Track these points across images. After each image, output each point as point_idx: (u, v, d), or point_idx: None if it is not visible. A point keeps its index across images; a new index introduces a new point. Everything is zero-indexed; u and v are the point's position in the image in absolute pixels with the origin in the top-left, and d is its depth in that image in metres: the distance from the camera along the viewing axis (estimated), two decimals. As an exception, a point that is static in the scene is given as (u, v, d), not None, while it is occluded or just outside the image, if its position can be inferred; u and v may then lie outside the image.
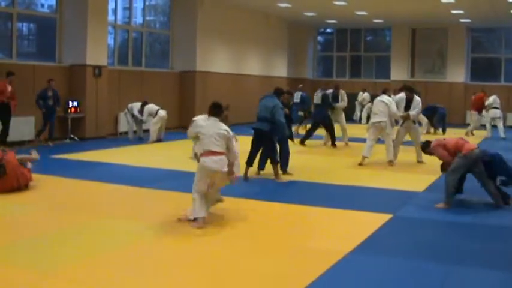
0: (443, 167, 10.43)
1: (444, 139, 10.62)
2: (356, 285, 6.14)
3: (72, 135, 18.41)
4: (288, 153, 12.99)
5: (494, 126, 23.67)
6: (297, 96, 21.68)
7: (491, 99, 23.83)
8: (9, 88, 15.62)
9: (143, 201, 10.30)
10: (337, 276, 6.37)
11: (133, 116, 19.03)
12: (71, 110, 18.37)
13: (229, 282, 6.16)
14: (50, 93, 17.03)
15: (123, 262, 6.70)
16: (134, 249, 7.22)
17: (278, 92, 12.72)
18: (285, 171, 12.73)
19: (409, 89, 14.86)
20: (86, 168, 13.36)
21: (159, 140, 18.77)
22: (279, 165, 12.33)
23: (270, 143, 12.14)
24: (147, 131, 19.36)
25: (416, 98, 14.66)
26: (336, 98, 18.91)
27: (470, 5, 24.23)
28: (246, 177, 12.23)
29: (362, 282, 6.25)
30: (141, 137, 19.36)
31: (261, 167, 12.75)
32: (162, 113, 18.82)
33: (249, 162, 12.39)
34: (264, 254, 7.17)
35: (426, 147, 10.79)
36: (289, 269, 6.58)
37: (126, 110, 19.25)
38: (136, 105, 19.08)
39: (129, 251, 7.13)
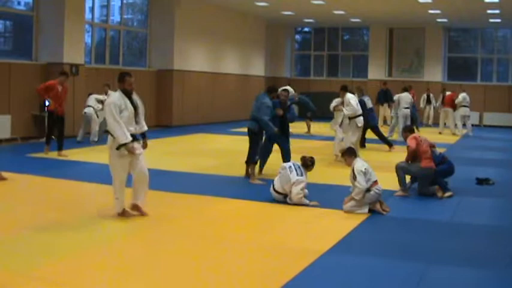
0: (407, 158, 11.06)
1: (425, 138, 11.21)
2: (332, 284, 6.15)
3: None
4: (288, 153, 12.78)
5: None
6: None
7: (461, 97, 24.16)
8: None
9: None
10: (314, 275, 6.39)
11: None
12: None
13: (206, 281, 6.15)
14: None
15: (97, 261, 6.66)
16: (109, 248, 7.18)
17: (269, 90, 12.66)
18: None
19: (343, 88, 15.04)
20: (62, 167, 13.28)
21: None
22: (254, 165, 12.33)
23: (253, 141, 12.20)
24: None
25: (348, 96, 14.80)
26: None
27: (447, 5, 24.37)
28: (247, 175, 12.39)
29: (339, 281, 6.27)
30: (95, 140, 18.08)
31: (261, 166, 12.89)
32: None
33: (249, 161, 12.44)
34: (241, 253, 7.17)
35: (407, 131, 11.42)
36: (266, 268, 6.58)
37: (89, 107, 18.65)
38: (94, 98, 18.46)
39: (104, 250, 7.09)
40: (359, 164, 9.55)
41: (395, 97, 21.79)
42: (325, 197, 10.28)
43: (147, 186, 8.73)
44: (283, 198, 9.91)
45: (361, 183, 9.28)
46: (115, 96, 8.40)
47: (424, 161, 10.77)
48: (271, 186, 10.13)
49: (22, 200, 10.03)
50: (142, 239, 7.69)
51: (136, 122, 8.52)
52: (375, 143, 18.31)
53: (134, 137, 8.41)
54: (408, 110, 20.83)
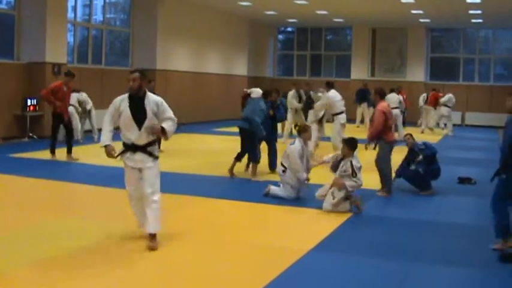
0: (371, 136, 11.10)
1: (391, 115, 11.31)
2: (316, 283, 6.17)
3: (30, 134, 18.15)
4: (275, 152, 13.22)
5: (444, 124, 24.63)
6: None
7: (447, 97, 24.44)
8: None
9: (102, 200, 10.23)
10: (297, 274, 6.41)
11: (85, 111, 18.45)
12: (29, 108, 18.10)
13: (192, 279, 6.15)
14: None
15: (81, 263, 6.64)
16: (92, 250, 7.15)
17: (265, 95, 13.10)
18: (273, 170, 12.89)
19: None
20: (44, 167, 13.22)
21: None
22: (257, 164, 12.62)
23: (251, 141, 12.39)
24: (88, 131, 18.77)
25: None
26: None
27: (430, 5, 24.46)
28: (231, 172, 12.55)
29: (322, 280, 6.29)
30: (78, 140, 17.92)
31: (272, 166, 13.09)
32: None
33: (238, 158, 12.66)
34: (225, 252, 7.18)
35: (380, 93, 11.43)
36: (250, 267, 6.60)
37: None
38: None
39: (88, 251, 7.06)
40: (356, 160, 9.55)
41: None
42: (308, 196, 10.28)
43: (150, 210, 7.26)
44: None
45: (361, 179, 9.38)
46: (119, 97, 7.49)
47: (389, 134, 10.94)
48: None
49: (5, 200, 9.96)
50: (129, 241, 7.66)
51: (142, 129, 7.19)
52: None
53: (134, 147, 7.27)
54: (397, 110, 20.95)
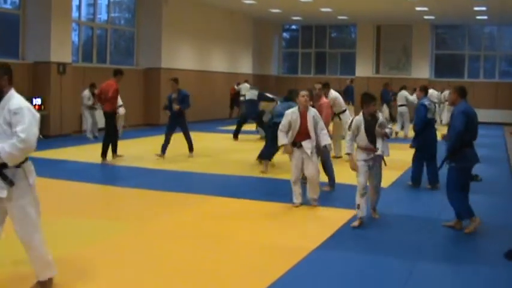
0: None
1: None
2: (321, 282, 6.16)
3: (36, 133, 18.15)
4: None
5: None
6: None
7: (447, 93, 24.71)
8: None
9: (107, 199, 10.25)
10: (302, 273, 6.40)
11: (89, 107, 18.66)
12: (34, 108, 18.05)
13: (197, 278, 6.15)
14: (174, 95, 15.39)
15: (85, 261, 6.65)
16: (97, 248, 7.17)
17: (291, 94, 12.94)
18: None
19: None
20: (50, 166, 13.23)
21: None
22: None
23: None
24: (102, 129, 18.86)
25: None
26: None
27: (435, 2, 24.44)
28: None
29: (327, 279, 6.28)
30: (95, 136, 18.67)
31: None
32: (122, 110, 18.11)
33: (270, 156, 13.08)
34: (229, 250, 7.18)
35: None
36: (255, 265, 6.59)
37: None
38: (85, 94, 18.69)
39: (91, 250, 7.08)
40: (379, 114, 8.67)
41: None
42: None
43: (31, 258, 5.54)
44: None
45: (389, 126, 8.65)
46: None
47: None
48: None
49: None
50: (130, 237, 7.68)
51: None
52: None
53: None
54: (404, 108, 20.94)
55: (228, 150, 16.39)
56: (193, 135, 15.15)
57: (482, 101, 30.43)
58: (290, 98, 12.35)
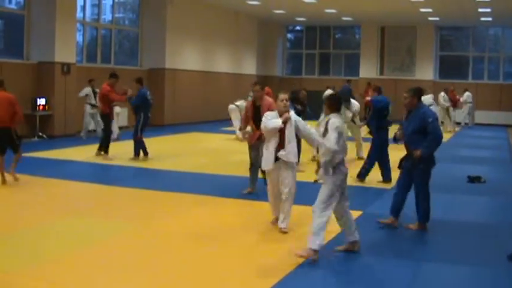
0: None
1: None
2: (325, 284, 6.17)
3: (40, 133, 18.22)
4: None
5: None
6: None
7: (465, 96, 25.44)
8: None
9: (110, 199, 10.25)
10: (305, 274, 6.39)
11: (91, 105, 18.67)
12: (39, 108, 18.15)
13: (198, 280, 6.15)
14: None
15: (91, 261, 6.66)
16: (102, 248, 7.18)
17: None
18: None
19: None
20: (54, 167, 13.26)
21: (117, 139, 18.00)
22: None
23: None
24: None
25: None
26: None
27: (439, 4, 24.42)
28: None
29: (331, 280, 6.30)
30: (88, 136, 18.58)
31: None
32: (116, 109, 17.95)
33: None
34: (232, 251, 7.19)
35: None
36: (258, 266, 6.59)
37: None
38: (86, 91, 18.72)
39: (96, 250, 7.09)
40: (337, 120, 7.14)
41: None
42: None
43: None
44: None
45: (331, 139, 6.93)
46: None
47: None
48: None
49: (15, 200, 9.99)
50: (131, 238, 7.68)
51: None
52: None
53: None
54: None
55: (232, 151, 16.39)
56: (197, 135, 15.15)
57: (486, 103, 30.42)
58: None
